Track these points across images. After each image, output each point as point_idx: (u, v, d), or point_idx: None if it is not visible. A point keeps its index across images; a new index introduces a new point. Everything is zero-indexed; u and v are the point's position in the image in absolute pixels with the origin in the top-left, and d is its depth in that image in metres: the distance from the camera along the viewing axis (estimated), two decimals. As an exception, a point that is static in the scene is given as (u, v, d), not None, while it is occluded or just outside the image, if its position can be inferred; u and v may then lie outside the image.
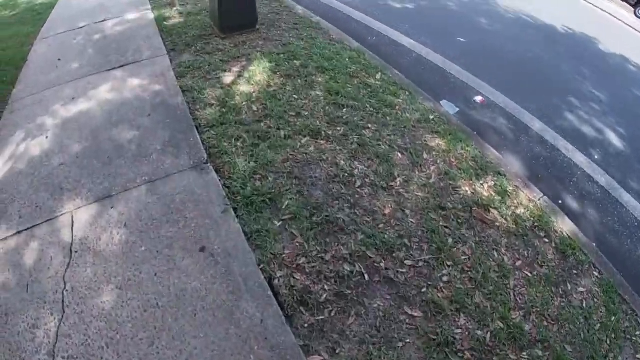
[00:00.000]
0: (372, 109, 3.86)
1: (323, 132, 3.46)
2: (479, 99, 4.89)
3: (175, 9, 5.52)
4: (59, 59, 4.74)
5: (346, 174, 3.15)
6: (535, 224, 3.12)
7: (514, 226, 3.06)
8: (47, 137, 3.45)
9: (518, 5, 8.43)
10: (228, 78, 3.93)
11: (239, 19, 4.63)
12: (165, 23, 5.11)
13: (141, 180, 2.93)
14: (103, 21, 5.57)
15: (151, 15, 5.50)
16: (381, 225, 2.85)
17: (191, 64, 4.13)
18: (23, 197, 2.88)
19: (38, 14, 6.69)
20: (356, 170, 3.22)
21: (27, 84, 4.36)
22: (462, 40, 6.32)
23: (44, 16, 6.47)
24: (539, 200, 3.41)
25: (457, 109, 4.61)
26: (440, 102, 4.59)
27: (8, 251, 2.52)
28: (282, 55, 4.33)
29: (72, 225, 2.65)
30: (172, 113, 3.52)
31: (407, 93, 4.28)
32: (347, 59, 4.49)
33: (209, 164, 3.05)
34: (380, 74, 4.42)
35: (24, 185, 2.99)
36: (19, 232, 2.62)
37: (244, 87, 3.81)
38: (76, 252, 2.50)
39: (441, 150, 3.59)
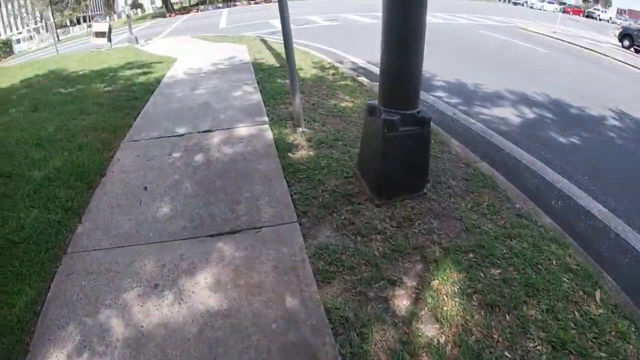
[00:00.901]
0: (609, 380, 2.15)
1: None
2: None
3: (300, 130, 4.25)
4: (145, 188, 3.51)
5: None
6: None
7: None
8: (108, 367, 2.00)
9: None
10: (401, 302, 2.37)
11: (405, 182, 3.16)
12: (289, 155, 3.80)
13: None
14: (208, 132, 4.42)
15: (269, 135, 4.25)
16: None
17: (337, 257, 2.64)
18: None
19: (134, 97, 5.81)
20: None
21: (97, 224, 3.08)
22: None
23: (139, 103, 5.55)
24: None
25: None
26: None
27: None
28: (471, 255, 2.76)
29: None
30: (318, 387, 1.95)
31: (634, 329, 2.57)
32: (554, 262, 2.85)
33: None
34: (599, 290, 2.75)
35: None
36: None
37: (428, 331, 2.20)
38: None
39: None
